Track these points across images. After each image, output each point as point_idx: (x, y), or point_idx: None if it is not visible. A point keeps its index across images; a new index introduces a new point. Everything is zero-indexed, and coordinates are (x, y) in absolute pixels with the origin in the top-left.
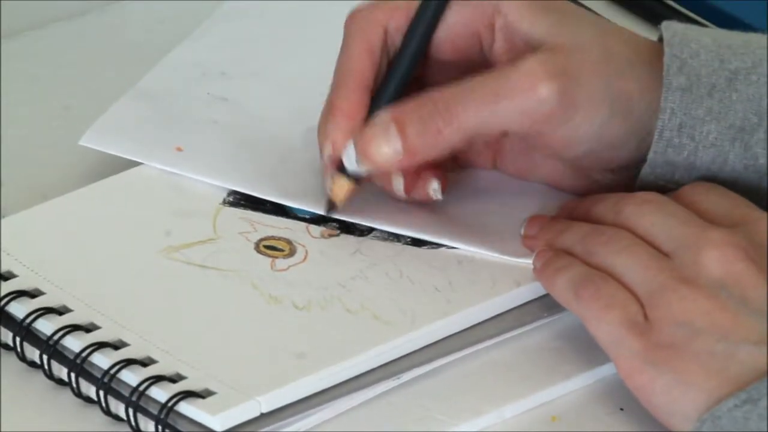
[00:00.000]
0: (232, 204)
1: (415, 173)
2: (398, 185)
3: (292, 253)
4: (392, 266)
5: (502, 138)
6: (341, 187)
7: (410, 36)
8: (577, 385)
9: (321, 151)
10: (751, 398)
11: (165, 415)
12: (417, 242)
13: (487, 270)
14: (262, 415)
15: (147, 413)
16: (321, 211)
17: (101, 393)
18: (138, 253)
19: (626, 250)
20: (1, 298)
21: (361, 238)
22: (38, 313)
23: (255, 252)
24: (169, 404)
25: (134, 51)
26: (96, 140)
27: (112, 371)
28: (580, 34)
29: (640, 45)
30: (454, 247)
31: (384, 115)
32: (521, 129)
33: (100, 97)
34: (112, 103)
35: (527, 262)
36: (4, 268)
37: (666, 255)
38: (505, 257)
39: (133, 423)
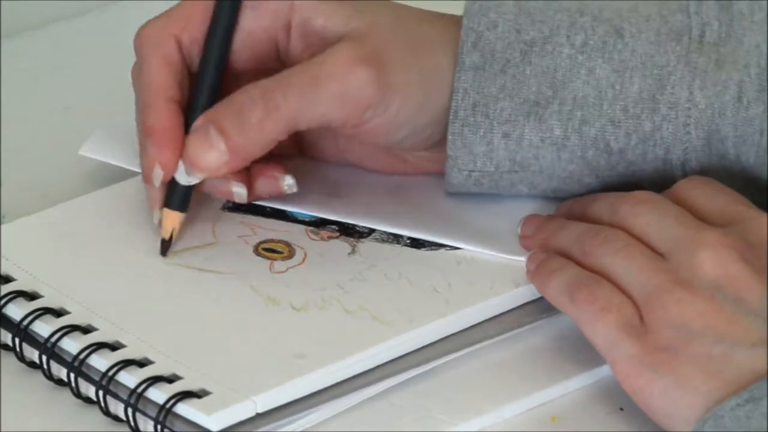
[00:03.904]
0: (232, 209)
1: (259, 173)
2: (240, 192)
3: (290, 255)
4: (391, 267)
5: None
6: (172, 220)
7: (211, 43)
8: (577, 385)
9: (147, 179)
10: (753, 397)
11: (164, 417)
12: (416, 244)
13: (486, 271)
14: (258, 415)
15: (146, 414)
16: (317, 216)
17: (100, 394)
18: (136, 256)
19: (622, 252)
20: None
21: (360, 240)
22: (36, 314)
23: (253, 254)
24: (167, 405)
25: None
26: (95, 150)
27: (110, 373)
28: (379, 21)
29: (443, 22)
30: (453, 248)
31: (199, 121)
32: (342, 116)
33: (100, 97)
34: (112, 104)
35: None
36: (3, 272)
37: (661, 255)
38: (504, 256)
39: (132, 424)
